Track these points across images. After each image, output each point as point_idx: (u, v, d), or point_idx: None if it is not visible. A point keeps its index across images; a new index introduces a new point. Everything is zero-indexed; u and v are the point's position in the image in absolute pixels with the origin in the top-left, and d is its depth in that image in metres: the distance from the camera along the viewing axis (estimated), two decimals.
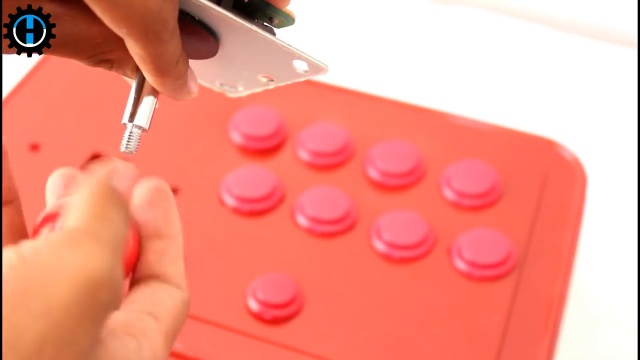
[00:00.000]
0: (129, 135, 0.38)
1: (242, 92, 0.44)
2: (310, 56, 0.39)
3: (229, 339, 0.56)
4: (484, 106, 0.83)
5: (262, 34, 0.37)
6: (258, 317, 0.57)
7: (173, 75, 0.36)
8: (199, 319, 0.57)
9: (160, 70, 0.36)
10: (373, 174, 0.66)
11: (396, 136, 0.68)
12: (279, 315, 0.57)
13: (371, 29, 0.93)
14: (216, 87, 0.44)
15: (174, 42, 0.35)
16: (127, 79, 0.40)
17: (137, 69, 0.37)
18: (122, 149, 0.38)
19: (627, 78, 0.86)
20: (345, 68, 0.86)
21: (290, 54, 0.38)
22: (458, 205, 0.64)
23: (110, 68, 0.38)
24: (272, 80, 0.41)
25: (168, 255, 0.33)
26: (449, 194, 0.64)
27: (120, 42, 0.35)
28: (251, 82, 0.42)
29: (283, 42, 0.38)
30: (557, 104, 0.85)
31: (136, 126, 0.38)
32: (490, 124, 0.69)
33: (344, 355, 0.56)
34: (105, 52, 0.37)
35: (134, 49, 0.35)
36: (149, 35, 0.34)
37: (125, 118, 0.38)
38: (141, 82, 0.38)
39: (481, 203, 0.64)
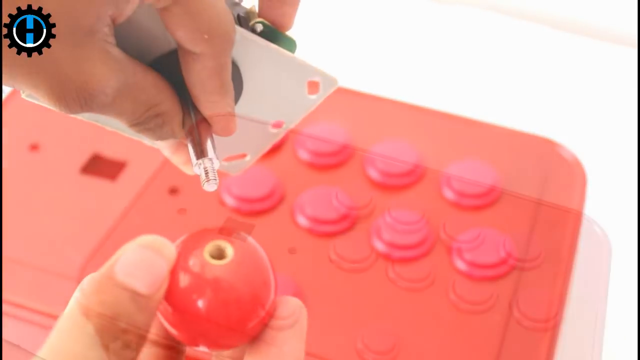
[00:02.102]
0: (205, 172, 0.38)
1: (249, 162, 0.45)
2: (320, 69, 0.41)
3: None
4: (484, 106, 0.83)
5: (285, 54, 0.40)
6: None
7: (230, 94, 0.38)
8: None
9: (224, 86, 0.37)
10: (373, 174, 0.65)
11: (396, 136, 0.68)
12: None
13: (371, 29, 0.93)
14: (224, 167, 0.44)
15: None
16: (162, 147, 0.40)
17: (184, 122, 0.38)
18: (204, 185, 0.38)
19: (627, 78, 0.86)
20: (345, 68, 0.86)
21: (307, 69, 0.41)
22: (458, 205, 0.64)
23: (162, 125, 0.38)
24: (282, 127, 0.42)
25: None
26: (449, 194, 0.64)
27: (169, 92, 0.37)
28: (260, 141, 0.44)
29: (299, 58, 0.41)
30: (557, 104, 0.85)
31: (208, 159, 0.38)
32: (490, 124, 0.69)
33: (344, 355, 0.56)
34: (158, 103, 0.37)
35: (206, 62, 0.36)
36: (226, 39, 0.36)
37: (194, 159, 0.38)
38: (192, 126, 0.39)
39: (481, 203, 0.64)
